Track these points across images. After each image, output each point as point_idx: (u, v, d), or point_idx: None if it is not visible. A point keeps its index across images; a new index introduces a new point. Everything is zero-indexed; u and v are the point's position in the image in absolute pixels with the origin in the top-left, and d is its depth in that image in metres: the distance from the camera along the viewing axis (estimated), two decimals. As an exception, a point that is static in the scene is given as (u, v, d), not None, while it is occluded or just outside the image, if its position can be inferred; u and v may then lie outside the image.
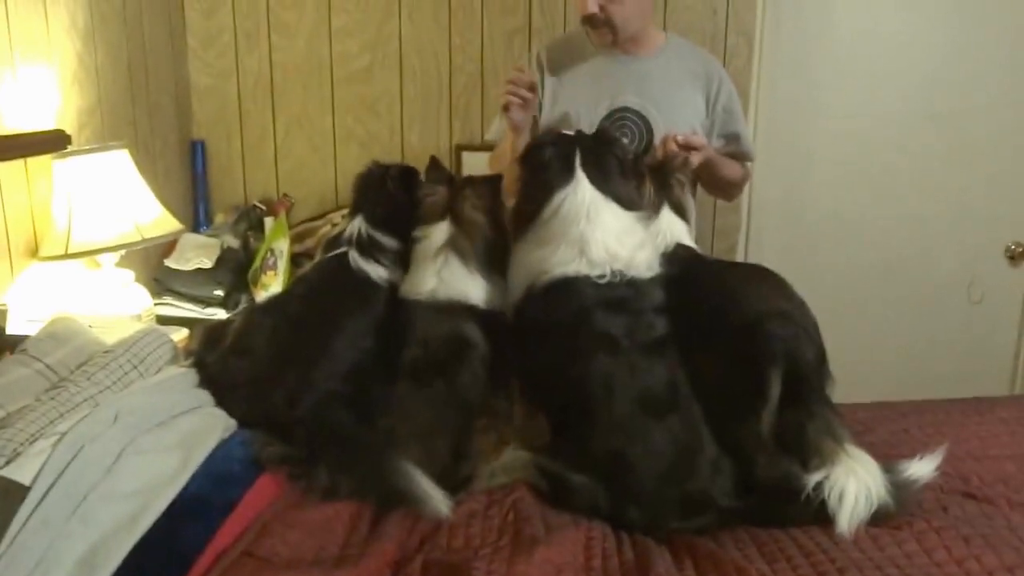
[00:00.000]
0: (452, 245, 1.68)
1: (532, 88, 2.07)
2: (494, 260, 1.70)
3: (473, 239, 1.70)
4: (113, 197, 2.23)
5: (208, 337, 1.70)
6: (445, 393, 1.54)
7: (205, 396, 1.47)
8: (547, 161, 1.68)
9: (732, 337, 1.50)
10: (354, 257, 1.73)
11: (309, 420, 1.48)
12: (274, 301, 1.83)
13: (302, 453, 1.43)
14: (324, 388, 1.55)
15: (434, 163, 1.83)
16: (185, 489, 1.27)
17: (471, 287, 1.66)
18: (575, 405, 1.50)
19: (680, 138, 1.99)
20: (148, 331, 1.63)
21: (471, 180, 1.79)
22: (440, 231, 1.71)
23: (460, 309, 1.64)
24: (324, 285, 1.74)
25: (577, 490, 1.43)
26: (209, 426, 1.38)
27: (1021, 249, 2.93)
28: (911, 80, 2.90)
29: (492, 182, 1.78)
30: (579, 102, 2.23)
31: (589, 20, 2.12)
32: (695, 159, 2.00)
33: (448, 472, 1.46)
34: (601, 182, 1.65)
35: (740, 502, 1.42)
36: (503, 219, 1.74)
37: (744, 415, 1.46)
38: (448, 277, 1.66)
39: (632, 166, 1.75)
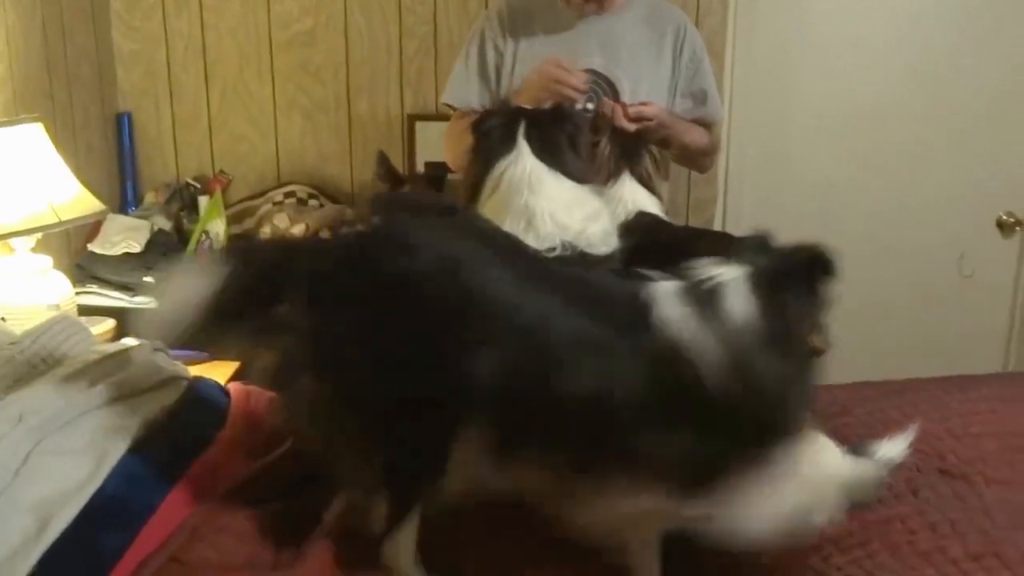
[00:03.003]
0: None
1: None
2: None
3: None
4: (25, 175, 2.18)
5: None
6: None
7: (121, 388, 1.44)
8: (490, 132, 1.72)
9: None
10: None
11: None
12: None
13: None
14: None
15: (383, 160, 1.83)
16: (100, 492, 1.25)
17: None
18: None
19: (632, 111, 2.01)
20: (58, 320, 1.60)
21: (413, 179, 1.82)
22: None
23: None
24: None
25: None
26: (124, 423, 1.36)
27: (1013, 220, 2.97)
28: (896, 45, 2.92)
29: (434, 181, 1.82)
30: None
31: None
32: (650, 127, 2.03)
33: None
34: (545, 154, 1.67)
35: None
36: None
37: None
38: None
39: (585, 142, 1.77)
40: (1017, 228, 2.98)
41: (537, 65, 2.11)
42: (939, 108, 2.93)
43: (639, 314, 1.15)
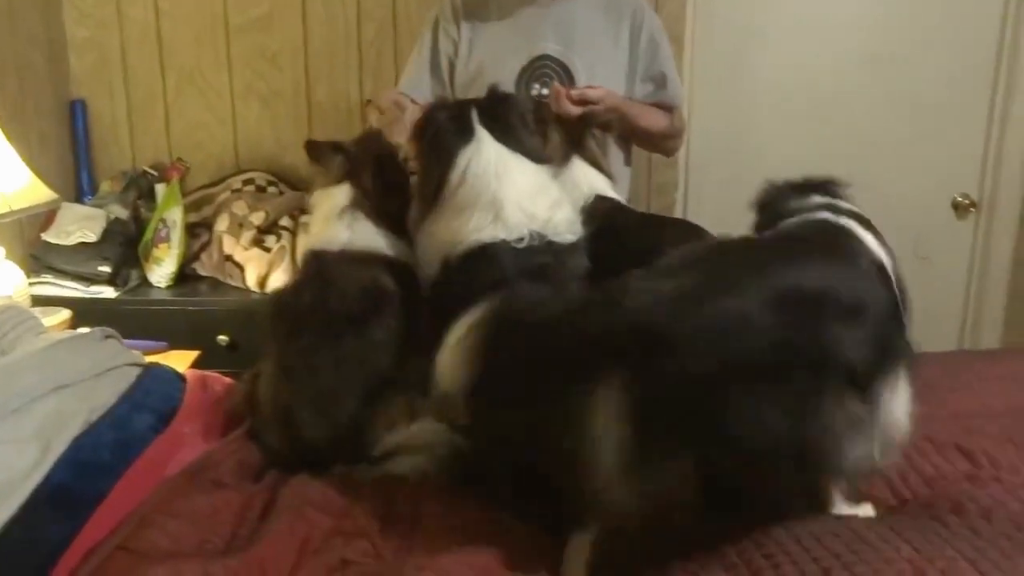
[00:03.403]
0: (357, 205, 1.71)
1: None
2: (397, 224, 1.73)
3: (376, 201, 1.73)
4: (-27, 164, 2.14)
5: None
6: (355, 350, 1.54)
7: (69, 374, 1.41)
8: (443, 126, 1.67)
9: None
10: None
11: None
12: None
13: None
14: None
15: (310, 146, 1.81)
16: (46, 481, 1.23)
17: (383, 240, 1.69)
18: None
19: (575, 93, 1.98)
20: (4, 309, 1.57)
21: (376, 157, 1.79)
22: (339, 193, 1.72)
23: (379, 259, 1.65)
24: None
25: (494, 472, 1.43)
26: (72, 410, 1.34)
27: (967, 201, 3.02)
28: (854, 25, 2.95)
29: (392, 154, 1.81)
30: (496, 51, 2.23)
31: None
32: (596, 111, 2.00)
33: (345, 442, 1.47)
34: (505, 137, 1.65)
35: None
36: (405, 192, 1.76)
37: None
38: (360, 230, 1.68)
39: (533, 119, 1.77)
40: (972, 209, 3.03)
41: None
42: (896, 92, 2.96)
43: None
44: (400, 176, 1.78)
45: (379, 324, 1.56)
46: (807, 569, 1.14)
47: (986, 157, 3.00)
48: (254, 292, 2.72)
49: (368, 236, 1.67)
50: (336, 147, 1.78)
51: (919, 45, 2.93)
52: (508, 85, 2.16)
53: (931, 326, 3.05)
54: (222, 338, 2.57)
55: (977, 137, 2.99)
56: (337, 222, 1.69)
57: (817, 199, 1.47)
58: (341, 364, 1.53)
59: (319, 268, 1.64)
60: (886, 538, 1.22)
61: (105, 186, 3.05)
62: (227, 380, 1.81)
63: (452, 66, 2.27)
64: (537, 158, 1.68)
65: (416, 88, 2.28)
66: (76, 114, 3.05)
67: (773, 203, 1.51)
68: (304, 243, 1.77)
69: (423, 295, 1.66)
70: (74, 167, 3.06)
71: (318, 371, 1.53)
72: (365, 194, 1.71)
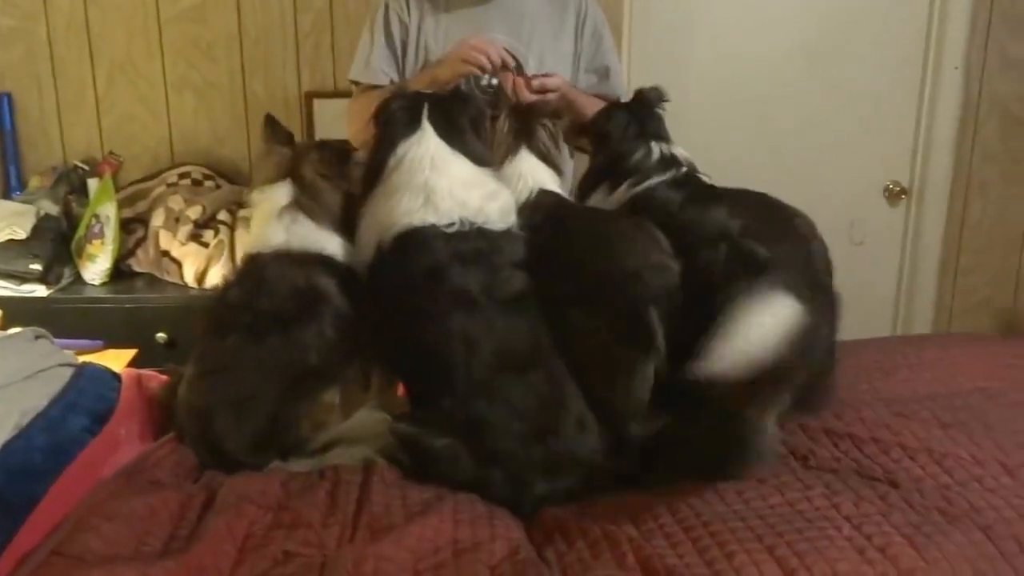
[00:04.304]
0: (297, 204, 1.67)
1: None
2: (342, 223, 1.69)
3: (317, 200, 1.69)
4: None
5: None
6: (280, 350, 1.51)
7: (0, 377, 1.37)
8: (394, 115, 1.70)
9: (608, 290, 1.54)
10: None
11: None
12: None
13: None
14: None
15: (270, 122, 1.79)
16: (-25, 487, 1.19)
17: (325, 240, 1.65)
18: (433, 366, 1.51)
19: (535, 83, 2.03)
20: (-73, 310, 1.52)
21: (321, 144, 1.78)
22: (281, 191, 1.69)
23: (316, 260, 1.62)
24: None
25: (438, 455, 1.44)
26: (3, 414, 1.30)
27: (898, 189, 3.10)
28: (789, 16, 3.00)
29: (342, 148, 1.78)
30: (447, 41, 2.23)
31: None
32: (551, 100, 2.05)
33: (263, 441, 1.45)
34: (449, 135, 1.67)
35: (608, 462, 1.46)
36: (346, 187, 1.74)
37: (622, 371, 1.50)
38: (299, 231, 1.65)
39: (485, 125, 1.78)
40: (903, 196, 3.11)
41: (458, 42, 2.10)
42: (828, 82, 3.03)
43: None
44: (344, 172, 1.75)
45: (309, 324, 1.54)
46: (751, 548, 1.18)
47: (916, 146, 3.08)
48: (192, 288, 2.68)
49: (307, 236, 1.63)
50: (289, 139, 1.75)
51: (851, 37, 2.99)
52: None
53: (866, 309, 3.14)
54: (160, 336, 2.53)
55: (907, 127, 3.07)
56: (276, 223, 1.64)
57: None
58: (262, 365, 1.50)
59: (250, 268, 1.61)
60: (827, 515, 1.26)
61: (34, 181, 2.96)
62: (164, 378, 1.77)
63: (405, 50, 2.26)
64: (478, 160, 1.69)
65: (371, 73, 2.26)
66: (2, 107, 2.96)
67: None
68: (244, 244, 1.73)
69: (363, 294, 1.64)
70: (1, 162, 2.98)
71: (237, 372, 1.50)
72: (306, 191, 1.68)
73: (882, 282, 3.19)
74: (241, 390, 1.48)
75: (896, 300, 3.22)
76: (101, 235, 2.70)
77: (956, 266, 3.15)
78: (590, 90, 2.30)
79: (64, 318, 2.46)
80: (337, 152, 1.75)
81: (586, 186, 1.94)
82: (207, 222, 2.74)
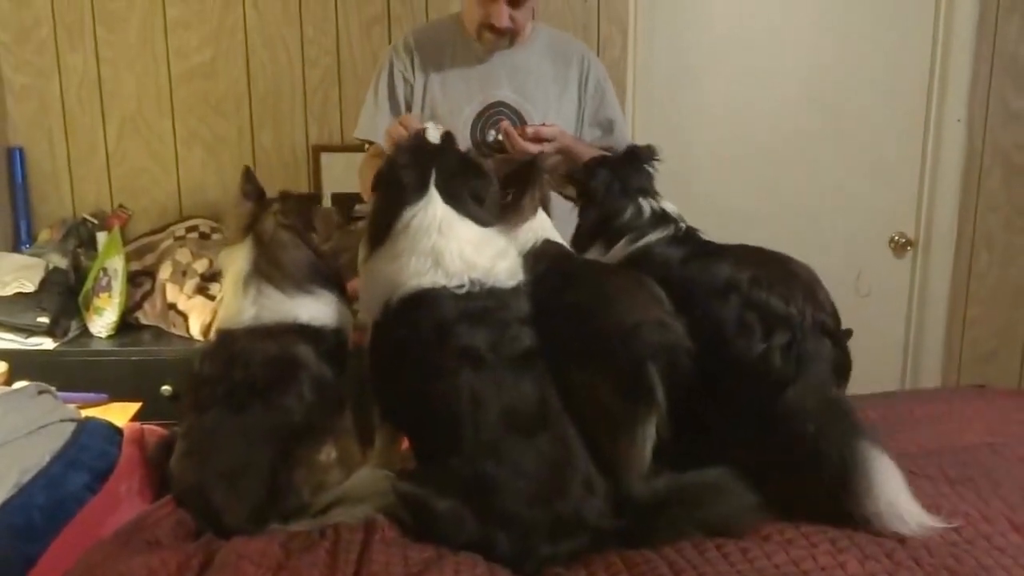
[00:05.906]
0: (257, 271, 1.63)
1: None
2: (312, 276, 1.66)
3: (279, 260, 1.64)
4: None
5: None
6: (262, 418, 1.49)
7: (1, 434, 1.37)
8: (400, 177, 1.66)
9: (608, 345, 1.53)
10: None
11: None
12: None
13: None
14: None
15: (246, 175, 1.77)
16: (-27, 547, 1.19)
17: (297, 308, 1.62)
18: (439, 425, 1.50)
19: (530, 131, 2.05)
20: (-68, 366, 1.52)
21: (283, 196, 1.73)
22: (241, 255, 1.66)
23: (289, 330, 1.59)
24: None
25: (442, 516, 1.42)
26: (3, 472, 1.30)
27: (904, 240, 3.10)
28: (792, 70, 3.04)
29: (305, 199, 1.77)
30: (451, 97, 2.27)
31: (496, 30, 2.17)
32: (548, 150, 2.06)
33: (262, 512, 1.42)
34: (456, 201, 1.63)
35: (613, 523, 1.44)
36: (311, 238, 1.70)
37: (623, 428, 1.49)
38: (267, 303, 1.62)
39: (494, 192, 1.75)
40: (908, 248, 3.11)
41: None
42: (831, 135, 3.05)
43: None
44: (308, 220, 1.71)
45: (288, 388, 1.50)
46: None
47: (920, 197, 3.09)
48: (198, 341, 2.68)
49: (276, 309, 1.60)
50: (260, 195, 1.72)
51: (854, 91, 3.02)
52: (463, 130, 2.21)
53: (874, 360, 3.13)
54: (166, 388, 2.53)
55: (911, 178, 3.09)
56: (242, 297, 1.61)
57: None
58: (248, 434, 1.47)
59: (222, 343, 1.58)
60: (832, 574, 1.26)
61: (44, 235, 3.00)
62: (166, 433, 1.77)
63: (409, 108, 2.28)
64: (484, 222, 1.66)
65: (376, 132, 2.27)
66: (14, 161, 3.01)
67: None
68: (217, 316, 1.69)
69: (346, 350, 1.65)
70: (11, 215, 3.01)
71: (224, 445, 1.47)
72: (266, 252, 1.63)
73: (890, 333, 3.18)
74: (232, 462, 1.45)
75: (904, 351, 3.20)
76: (108, 288, 2.72)
77: (964, 317, 3.14)
78: (595, 143, 2.31)
79: (70, 371, 2.47)
80: (299, 200, 1.72)
81: (580, 245, 1.93)
82: (214, 275, 2.76)
